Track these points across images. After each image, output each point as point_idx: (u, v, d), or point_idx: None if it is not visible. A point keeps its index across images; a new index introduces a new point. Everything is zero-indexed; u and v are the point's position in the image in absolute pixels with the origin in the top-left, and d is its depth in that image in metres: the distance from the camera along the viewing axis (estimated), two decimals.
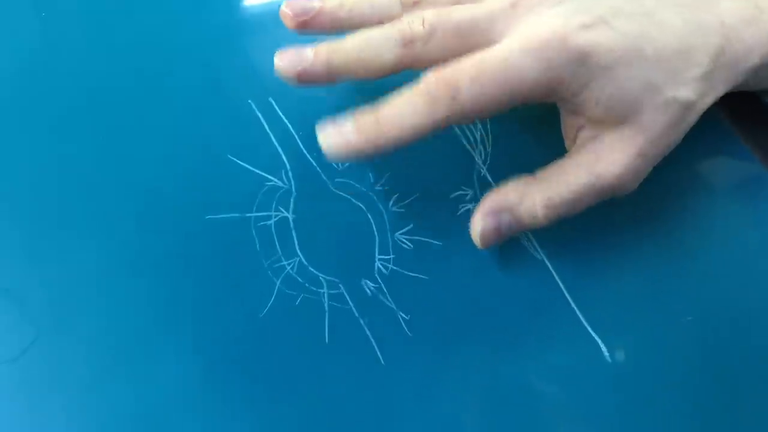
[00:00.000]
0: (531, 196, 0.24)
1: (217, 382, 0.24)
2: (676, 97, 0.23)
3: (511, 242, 0.26)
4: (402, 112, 0.23)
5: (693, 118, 0.24)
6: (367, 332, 0.25)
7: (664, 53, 0.23)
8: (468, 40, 0.24)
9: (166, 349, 0.24)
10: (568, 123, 0.26)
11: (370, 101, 0.28)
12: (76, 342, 0.24)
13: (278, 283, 0.25)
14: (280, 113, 0.28)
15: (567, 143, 0.26)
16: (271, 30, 0.30)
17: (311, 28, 0.25)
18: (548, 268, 0.26)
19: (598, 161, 0.24)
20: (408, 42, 0.24)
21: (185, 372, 0.24)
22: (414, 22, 0.24)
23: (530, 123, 0.29)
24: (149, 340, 0.24)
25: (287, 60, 0.25)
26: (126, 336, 0.24)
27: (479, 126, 0.28)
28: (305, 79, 0.25)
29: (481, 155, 0.28)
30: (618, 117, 0.23)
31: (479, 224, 0.25)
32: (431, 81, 0.23)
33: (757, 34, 0.24)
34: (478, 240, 0.25)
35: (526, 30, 0.23)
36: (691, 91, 0.23)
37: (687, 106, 0.24)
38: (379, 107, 0.23)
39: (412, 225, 0.26)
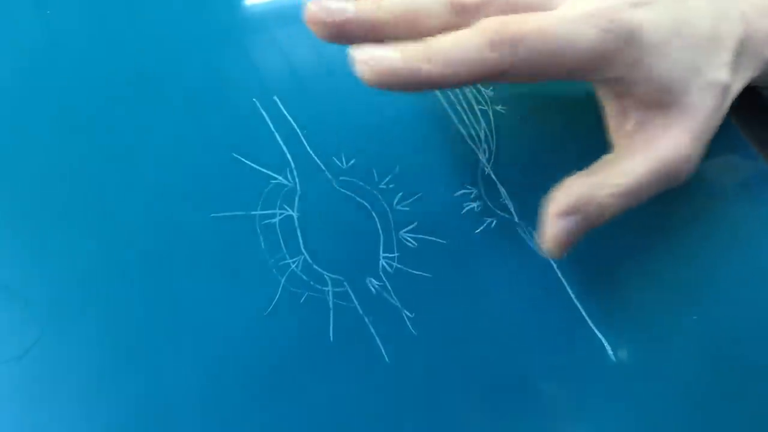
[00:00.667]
0: (595, 191, 0.23)
1: (221, 380, 0.24)
2: (717, 78, 0.23)
3: (515, 240, 0.26)
4: (459, 46, 0.21)
5: (729, 102, 0.24)
6: (372, 330, 0.25)
7: (699, 37, 0.23)
8: (516, 11, 0.23)
9: (171, 348, 0.24)
10: (614, 110, 0.25)
11: (376, 99, 0.29)
12: (80, 340, 0.24)
13: (283, 281, 0.25)
14: (285, 112, 0.28)
15: (613, 135, 0.25)
16: (275, 28, 0.30)
17: None
18: (552, 266, 0.26)
19: (659, 145, 0.23)
20: (458, 8, 0.22)
21: (190, 370, 0.24)
22: None
23: (534, 122, 0.29)
24: (153, 338, 0.24)
25: (326, 5, 0.22)
26: (130, 334, 0.24)
27: (483, 124, 0.28)
28: (344, 32, 0.22)
29: (485, 154, 0.28)
30: (668, 97, 0.23)
31: (552, 229, 0.23)
32: (494, 24, 0.21)
33: None
34: (554, 248, 0.23)
35: (582, 3, 0.22)
36: (726, 74, 0.24)
37: (725, 88, 0.24)
38: (429, 39, 0.21)
39: (416, 223, 0.26)
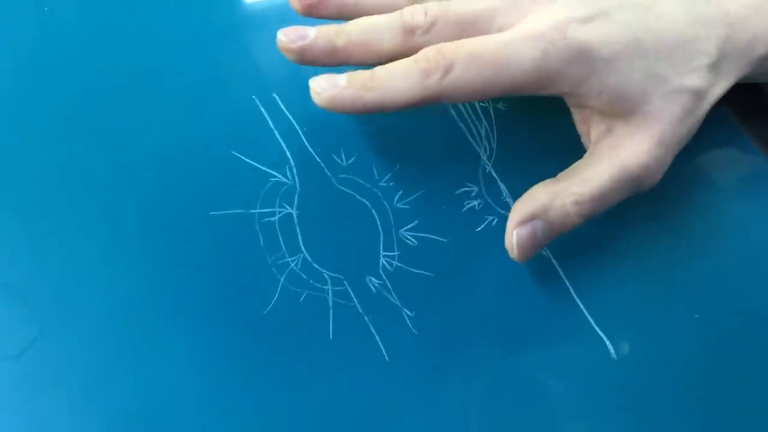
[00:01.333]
0: (560, 198, 0.24)
1: (220, 378, 0.24)
2: (684, 85, 0.23)
3: None
4: (396, 75, 0.23)
5: (706, 106, 0.24)
6: (372, 329, 0.25)
7: (666, 44, 0.23)
8: (467, 33, 0.24)
9: (170, 346, 0.24)
10: (578, 117, 0.26)
11: None
12: (79, 338, 0.24)
13: (282, 279, 0.25)
14: (284, 109, 0.28)
15: (583, 140, 0.26)
16: (274, 26, 0.29)
17: (318, 14, 0.26)
18: (554, 265, 0.26)
19: (620, 152, 0.24)
20: (409, 30, 0.24)
21: (189, 369, 0.24)
22: (416, 12, 0.24)
23: (535, 119, 0.28)
24: (152, 336, 0.24)
25: (290, 35, 0.25)
26: (129, 332, 0.24)
27: (484, 122, 0.28)
28: (306, 57, 0.25)
29: (486, 151, 0.28)
30: (625, 107, 0.24)
31: (514, 235, 0.24)
32: (429, 52, 0.23)
33: (762, 24, 0.24)
34: (516, 252, 0.24)
35: (527, 24, 0.23)
36: (699, 79, 0.24)
37: (698, 93, 0.24)
38: (375, 69, 0.24)
39: (416, 221, 0.26)
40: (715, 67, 0.24)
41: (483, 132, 0.28)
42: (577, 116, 0.26)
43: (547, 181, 0.25)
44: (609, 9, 0.23)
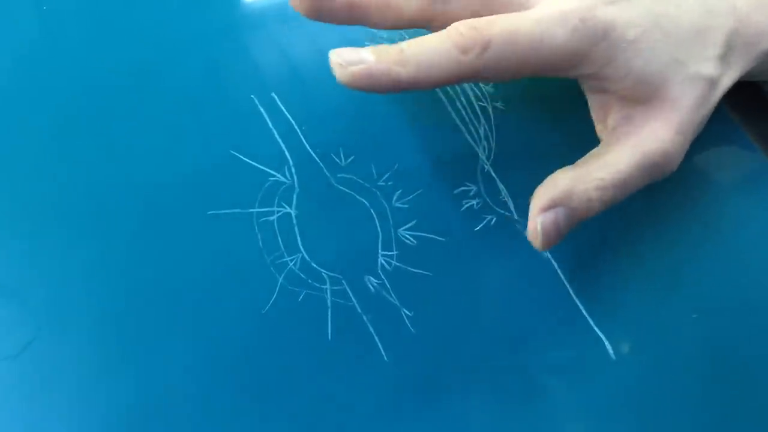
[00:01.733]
0: (582, 183, 0.23)
1: (219, 378, 0.24)
2: (701, 72, 0.24)
3: (515, 238, 0.26)
4: (430, 50, 0.22)
5: (717, 97, 0.24)
6: (371, 329, 0.25)
7: (683, 32, 0.23)
8: (489, 9, 0.23)
9: (168, 346, 0.24)
10: (596, 104, 0.26)
11: (375, 96, 0.28)
12: (76, 339, 0.24)
13: (281, 279, 0.25)
14: (283, 108, 0.28)
15: (598, 128, 0.26)
16: (273, 25, 0.30)
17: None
18: (552, 264, 0.26)
19: (641, 138, 0.24)
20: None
21: (187, 368, 0.24)
22: None
23: (534, 119, 0.28)
24: (150, 336, 0.24)
25: None
26: (127, 332, 0.24)
27: (483, 121, 0.28)
28: (322, 8, 0.23)
29: (485, 151, 0.28)
30: (647, 91, 0.24)
31: (539, 223, 0.23)
32: (462, 28, 0.22)
33: (766, 20, 0.25)
34: (540, 239, 0.23)
35: (553, 2, 0.23)
36: (713, 68, 0.24)
37: (711, 82, 0.24)
38: (402, 44, 0.22)
39: (415, 221, 0.26)
40: (724, 57, 0.24)
41: (482, 131, 0.28)
42: (594, 102, 0.26)
43: (567, 167, 0.24)
44: None
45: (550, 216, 0.23)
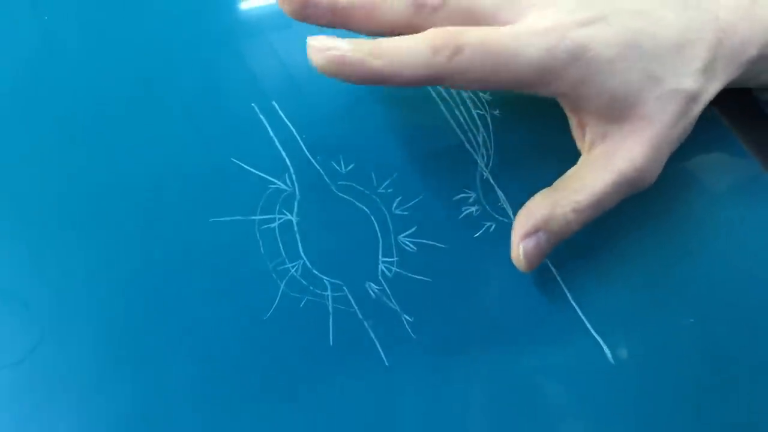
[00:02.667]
0: (560, 207, 0.24)
1: (221, 384, 0.24)
2: (679, 87, 0.24)
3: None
4: (404, 47, 0.23)
5: (698, 109, 0.25)
6: (371, 334, 0.25)
7: (662, 48, 0.24)
8: (472, 23, 0.24)
9: (170, 352, 0.24)
10: (573, 122, 0.26)
11: (375, 104, 0.29)
12: (80, 345, 0.24)
13: (282, 285, 0.25)
14: (283, 116, 0.28)
15: (579, 145, 0.26)
16: (273, 33, 0.30)
17: None
18: (551, 270, 0.27)
19: (615, 157, 0.24)
20: (419, 4, 0.24)
21: (189, 375, 0.24)
22: None
23: (531, 127, 0.29)
24: (153, 342, 0.24)
25: None
26: (129, 340, 0.24)
27: (481, 129, 0.28)
28: (307, 9, 0.24)
29: (483, 158, 0.28)
30: (622, 109, 0.24)
31: (521, 249, 0.25)
32: (439, 32, 0.23)
33: (752, 27, 0.25)
34: (524, 264, 0.25)
35: (530, 21, 0.23)
36: (693, 82, 0.24)
37: (691, 97, 0.24)
38: (380, 39, 0.23)
39: (415, 227, 0.27)
40: (707, 71, 0.24)
41: (480, 139, 0.28)
42: (572, 120, 0.26)
43: (545, 190, 0.25)
44: (607, 14, 0.24)
45: (531, 241, 0.24)
